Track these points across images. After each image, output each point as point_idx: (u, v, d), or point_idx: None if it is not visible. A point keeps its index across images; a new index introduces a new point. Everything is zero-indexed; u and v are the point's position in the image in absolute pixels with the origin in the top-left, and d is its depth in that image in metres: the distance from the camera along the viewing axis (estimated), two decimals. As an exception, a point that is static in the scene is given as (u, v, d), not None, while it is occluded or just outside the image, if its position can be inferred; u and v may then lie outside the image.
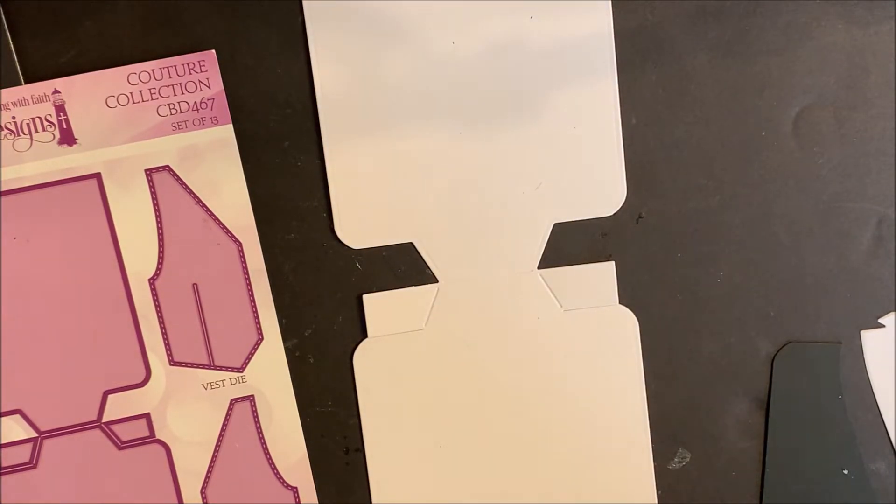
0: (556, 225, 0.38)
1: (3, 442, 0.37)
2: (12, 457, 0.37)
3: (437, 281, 0.38)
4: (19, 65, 0.36)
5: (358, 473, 0.39)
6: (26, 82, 0.36)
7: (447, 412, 0.39)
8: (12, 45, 0.36)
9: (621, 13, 0.37)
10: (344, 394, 0.39)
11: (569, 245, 0.39)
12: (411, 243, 0.38)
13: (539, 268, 0.38)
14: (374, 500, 0.39)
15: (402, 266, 0.38)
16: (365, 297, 0.38)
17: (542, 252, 0.38)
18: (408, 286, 0.38)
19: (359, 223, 0.38)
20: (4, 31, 0.36)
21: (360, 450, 0.39)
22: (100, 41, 0.37)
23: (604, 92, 0.38)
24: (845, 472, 0.39)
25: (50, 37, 0.37)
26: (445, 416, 0.39)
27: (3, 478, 0.37)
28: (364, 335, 0.38)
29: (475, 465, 0.39)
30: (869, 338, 0.39)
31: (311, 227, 0.38)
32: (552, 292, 0.38)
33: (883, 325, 0.39)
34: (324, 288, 0.38)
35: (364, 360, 0.38)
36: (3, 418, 0.37)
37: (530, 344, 0.38)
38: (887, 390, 0.39)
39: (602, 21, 0.37)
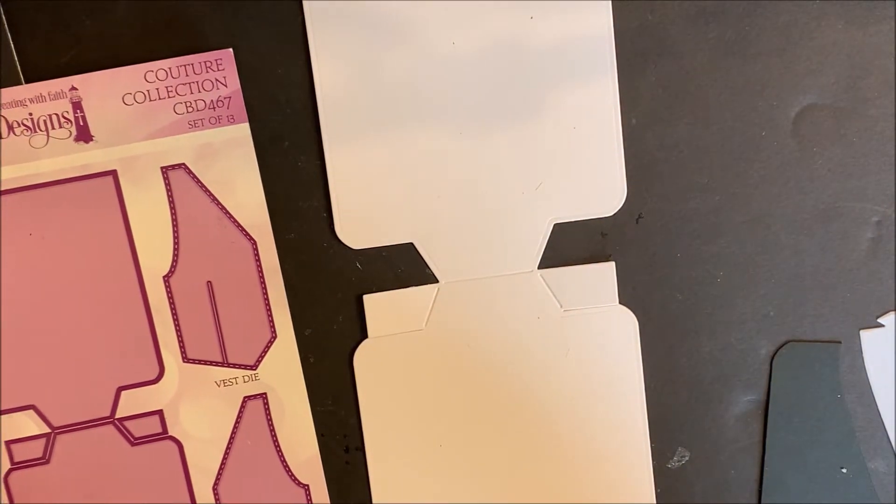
0: (556, 225, 0.38)
1: (16, 437, 0.37)
2: (25, 452, 0.37)
3: (437, 281, 0.38)
4: (19, 65, 0.36)
5: (358, 473, 0.39)
6: (26, 82, 0.36)
7: (447, 412, 0.39)
8: (12, 45, 0.36)
9: (621, 13, 0.37)
10: (344, 394, 0.39)
11: (569, 245, 0.39)
12: (411, 243, 0.38)
13: (539, 268, 0.38)
14: (374, 500, 0.39)
15: (402, 266, 0.38)
16: (365, 297, 0.38)
17: (542, 252, 0.38)
18: (408, 286, 0.38)
19: (359, 223, 0.38)
20: (4, 31, 0.36)
21: (361, 449, 0.39)
22: (100, 41, 0.37)
23: (604, 92, 0.38)
24: (844, 470, 0.39)
25: (50, 37, 0.37)
26: (445, 416, 0.39)
27: (16, 473, 0.37)
28: (364, 335, 0.38)
29: (475, 465, 0.39)
30: (868, 337, 0.39)
31: (311, 227, 0.38)
32: (552, 292, 0.38)
33: (882, 325, 0.39)
34: (324, 288, 0.38)
35: (364, 360, 0.38)
36: (16, 413, 0.37)
37: (530, 344, 0.38)
38: (886, 390, 0.39)
39: (602, 21, 0.37)
